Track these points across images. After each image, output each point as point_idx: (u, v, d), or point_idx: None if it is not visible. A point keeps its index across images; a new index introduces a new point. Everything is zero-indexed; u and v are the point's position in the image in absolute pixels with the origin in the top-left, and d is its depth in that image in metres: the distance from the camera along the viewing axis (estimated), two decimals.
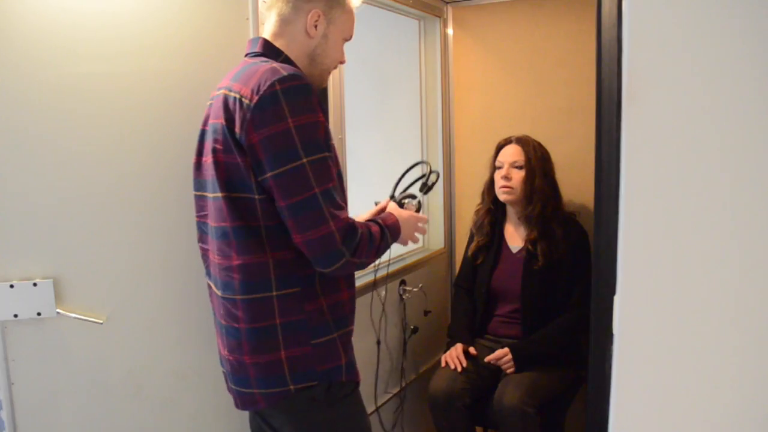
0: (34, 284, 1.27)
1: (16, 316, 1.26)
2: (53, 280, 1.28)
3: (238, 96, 1.08)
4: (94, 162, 1.33)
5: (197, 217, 1.29)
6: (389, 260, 1.96)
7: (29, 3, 1.22)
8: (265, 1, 1.28)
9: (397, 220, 1.28)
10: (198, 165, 1.26)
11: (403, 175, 1.64)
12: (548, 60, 2.39)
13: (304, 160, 1.04)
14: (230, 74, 1.20)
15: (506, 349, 1.94)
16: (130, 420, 1.43)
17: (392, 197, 1.55)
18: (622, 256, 0.94)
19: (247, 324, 1.15)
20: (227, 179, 1.12)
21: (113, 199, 1.36)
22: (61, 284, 1.30)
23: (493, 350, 2.06)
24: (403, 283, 2.19)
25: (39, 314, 1.27)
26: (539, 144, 2.07)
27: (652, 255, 0.93)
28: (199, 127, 1.27)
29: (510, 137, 2.09)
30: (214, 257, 1.21)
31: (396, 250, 2.38)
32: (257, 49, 1.21)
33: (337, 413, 1.23)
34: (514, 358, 1.93)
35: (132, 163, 1.38)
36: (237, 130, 1.08)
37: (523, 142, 2.05)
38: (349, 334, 1.26)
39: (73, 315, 1.31)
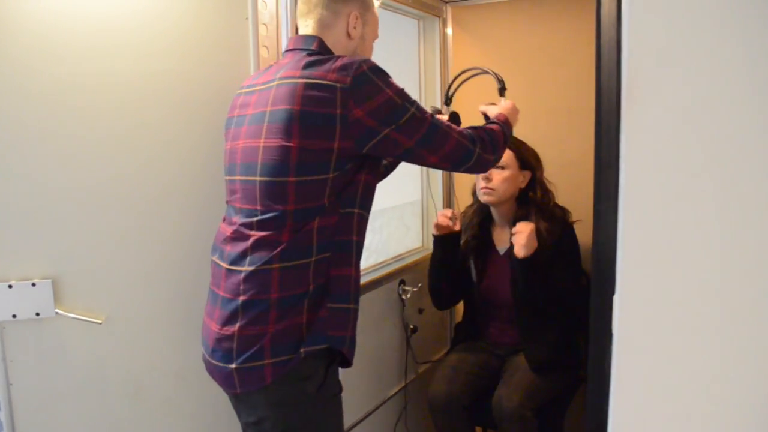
0: (33, 284, 1.26)
1: (14, 316, 1.25)
2: (52, 280, 1.28)
3: (325, 82, 1.15)
4: (94, 162, 1.33)
5: (228, 201, 1.30)
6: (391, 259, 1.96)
7: (30, 3, 1.22)
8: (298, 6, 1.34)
9: (505, 115, 1.54)
10: (233, 150, 1.28)
11: (450, 84, 1.84)
12: (548, 60, 2.39)
13: (412, 109, 1.21)
14: (286, 66, 1.23)
15: (530, 225, 1.88)
16: (129, 420, 1.43)
17: (447, 99, 1.83)
18: (622, 256, 0.94)
19: (281, 293, 1.17)
20: (300, 164, 1.16)
21: (112, 199, 1.36)
22: (59, 284, 1.30)
23: (492, 354, 2.05)
24: (402, 282, 2.19)
25: (38, 314, 1.27)
26: (522, 143, 2.00)
27: (651, 255, 0.93)
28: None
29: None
30: (241, 233, 1.21)
31: (395, 249, 2.38)
32: (313, 47, 1.27)
33: (317, 412, 1.23)
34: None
35: (131, 163, 1.38)
36: (333, 110, 1.15)
37: None
38: (357, 311, 1.28)
39: (72, 315, 1.30)
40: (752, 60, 0.86)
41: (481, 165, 1.35)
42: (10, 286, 1.25)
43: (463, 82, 1.84)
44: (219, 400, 1.42)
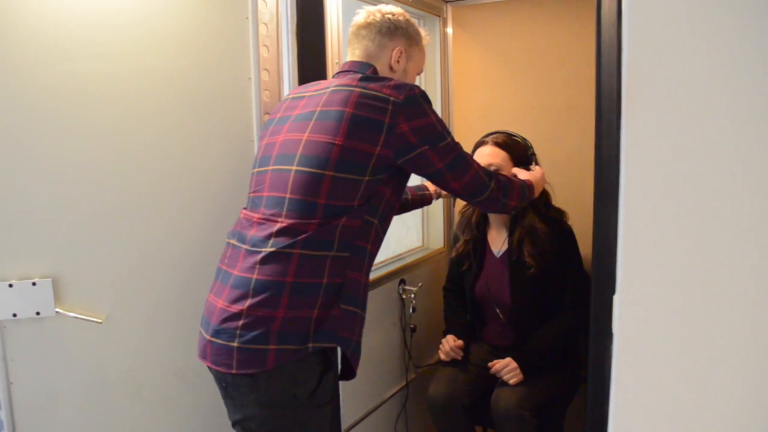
0: (33, 283, 1.27)
1: (15, 315, 1.26)
2: (52, 280, 1.28)
3: (380, 94, 1.26)
4: (94, 161, 1.33)
5: (253, 192, 1.34)
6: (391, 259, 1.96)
7: (30, 1, 1.22)
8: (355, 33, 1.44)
9: (531, 181, 1.66)
10: (271, 144, 1.33)
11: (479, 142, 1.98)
12: (548, 59, 2.39)
13: (448, 138, 1.34)
14: (340, 80, 1.32)
15: (508, 359, 1.89)
16: (129, 419, 1.43)
17: (472, 153, 1.94)
18: (622, 255, 0.94)
19: (296, 278, 1.19)
20: (340, 160, 1.23)
21: (112, 198, 1.36)
22: (60, 283, 1.30)
23: (490, 353, 2.04)
24: (402, 282, 2.19)
25: (38, 314, 1.27)
26: (516, 142, 1.94)
27: (651, 254, 0.93)
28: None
29: (486, 138, 1.96)
30: (269, 219, 1.24)
31: (395, 249, 2.38)
32: (369, 72, 1.38)
33: (304, 419, 1.24)
34: (521, 368, 1.87)
35: (131, 163, 1.38)
36: (382, 119, 1.25)
37: (500, 143, 1.92)
38: (364, 318, 1.31)
39: (72, 314, 1.31)
40: (752, 59, 0.86)
41: (493, 202, 1.44)
42: (10, 285, 1.25)
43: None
44: (219, 398, 1.42)
